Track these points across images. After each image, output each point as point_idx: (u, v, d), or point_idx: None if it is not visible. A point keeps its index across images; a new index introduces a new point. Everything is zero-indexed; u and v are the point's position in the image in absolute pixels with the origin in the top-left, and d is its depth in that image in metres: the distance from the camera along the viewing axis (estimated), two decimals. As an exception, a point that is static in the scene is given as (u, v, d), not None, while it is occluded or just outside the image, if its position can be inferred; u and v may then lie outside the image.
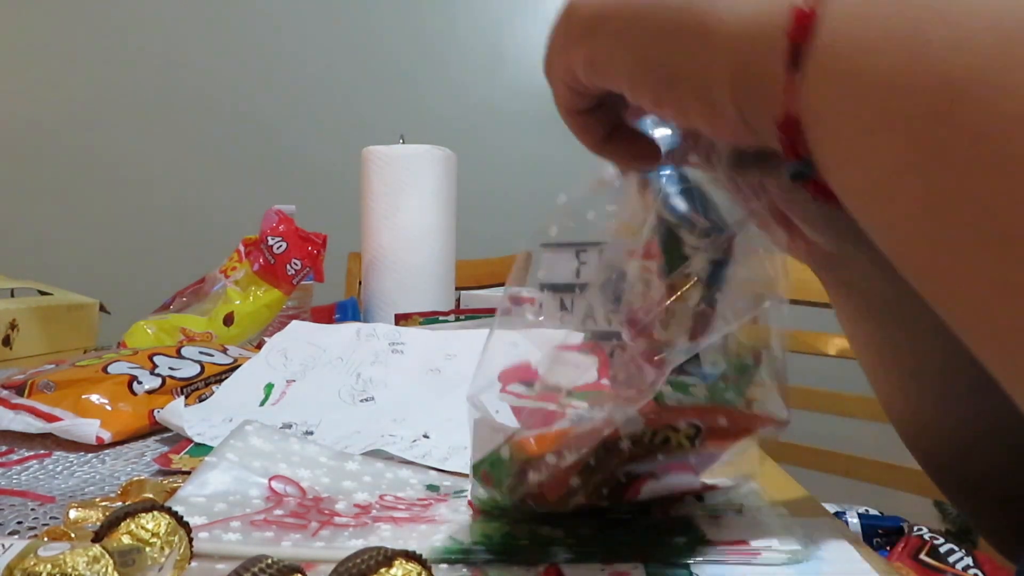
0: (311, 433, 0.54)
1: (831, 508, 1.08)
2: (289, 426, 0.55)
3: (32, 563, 0.23)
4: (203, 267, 1.03)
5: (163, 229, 2.41)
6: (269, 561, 0.24)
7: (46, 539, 0.30)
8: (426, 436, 0.53)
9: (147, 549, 0.26)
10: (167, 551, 0.27)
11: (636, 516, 0.37)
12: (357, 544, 0.33)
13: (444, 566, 0.33)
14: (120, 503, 0.38)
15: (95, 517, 0.35)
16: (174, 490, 0.39)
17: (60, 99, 2.44)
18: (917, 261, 0.18)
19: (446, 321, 0.92)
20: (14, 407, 0.57)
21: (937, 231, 0.17)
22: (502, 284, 1.77)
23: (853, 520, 1.05)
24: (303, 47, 2.41)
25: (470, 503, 0.38)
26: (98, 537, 0.27)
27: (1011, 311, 0.16)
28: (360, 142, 1.17)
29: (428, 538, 0.35)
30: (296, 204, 1.06)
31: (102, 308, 1.16)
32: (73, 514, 0.36)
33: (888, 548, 0.96)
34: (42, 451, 0.53)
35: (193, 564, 0.30)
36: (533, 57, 2.48)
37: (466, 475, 0.46)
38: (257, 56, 2.41)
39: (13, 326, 0.98)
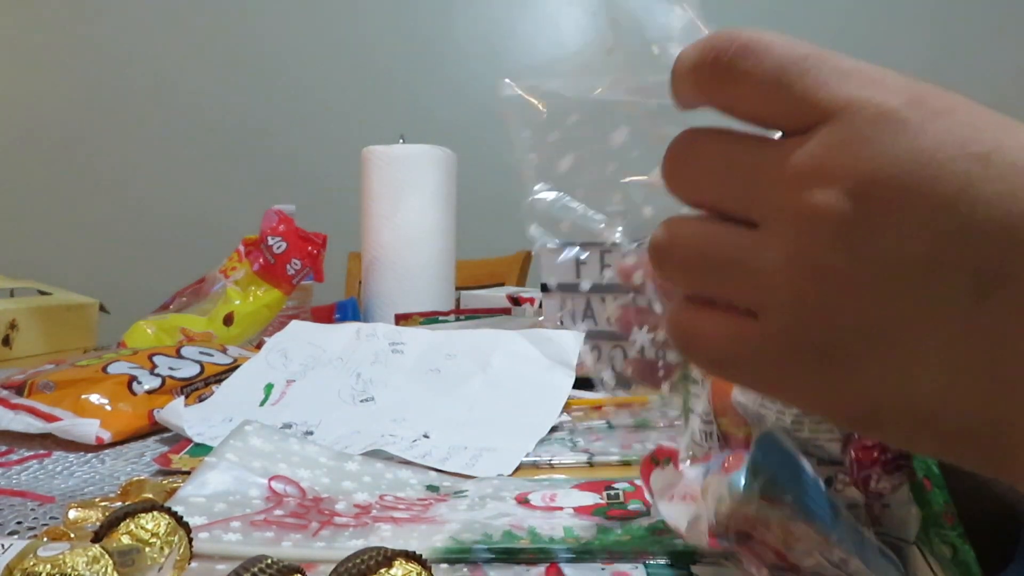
0: (311, 433, 0.54)
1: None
2: (289, 426, 0.55)
3: (32, 563, 0.23)
4: (203, 267, 1.03)
5: (163, 229, 2.41)
6: (269, 561, 0.24)
7: (46, 539, 0.30)
8: (426, 436, 0.53)
9: (147, 549, 0.26)
10: (167, 551, 0.27)
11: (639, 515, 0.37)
12: (357, 544, 0.33)
13: (444, 566, 0.33)
14: (120, 503, 0.37)
15: (95, 517, 0.35)
16: (174, 490, 0.39)
17: (60, 99, 2.44)
18: None
19: (446, 321, 0.92)
20: (14, 407, 0.57)
21: None
22: (502, 284, 1.76)
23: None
24: (303, 47, 2.41)
25: None
26: (98, 537, 0.27)
27: None
28: (360, 142, 1.17)
29: (428, 538, 0.35)
30: (296, 204, 1.06)
31: (102, 308, 1.16)
32: (73, 514, 0.36)
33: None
34: (42, 451, 0.53)
35: (193, 564, 0.30)
36: (533, 57, 2.48)
37: (466, 476, 0.46)
38: (257, 57, 2.41)
39: (13, 326, 0.98)
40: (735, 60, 0.20)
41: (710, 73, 0.21)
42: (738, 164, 0.21)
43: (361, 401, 0.62)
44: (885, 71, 0.20)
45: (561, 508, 0.40)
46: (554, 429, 0.57)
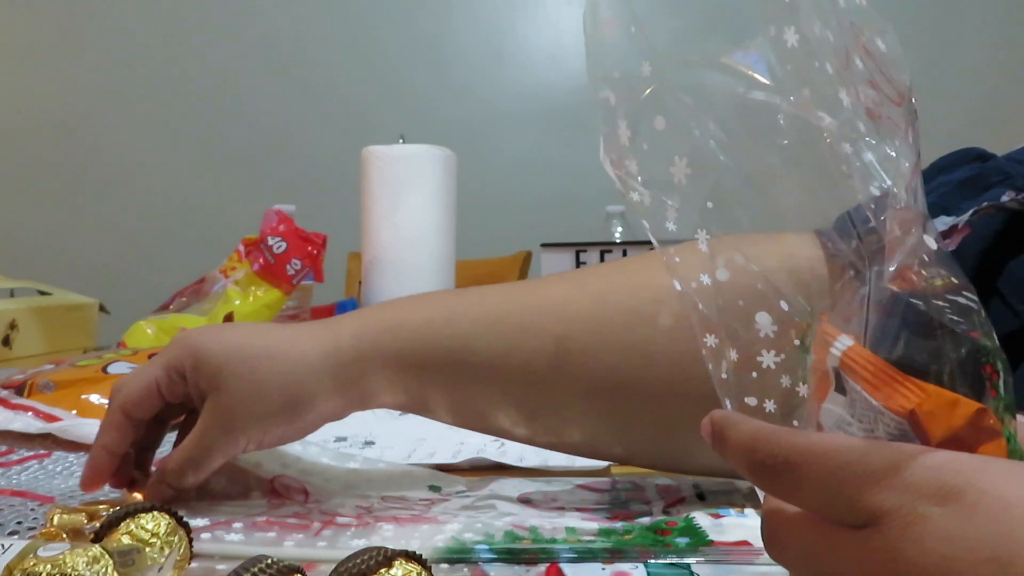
0: (372, 443, 0.53)
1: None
2: (344, 439, 0.54)
3: (32, 563, 0.23)
4: (203, 267, 1.03)
5: (163, 229, 2.41)
6: (269, 561, 0.24)
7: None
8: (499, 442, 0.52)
9: (147, 549, 0.26)
10: (167, 551, 0.27)
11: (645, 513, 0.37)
12: (359, 544, 0.33)
13: (445, 566, 0.33)
14: (120, 505, 0.37)
15: (79, 522, 0.35)
16: (174, 490, 0.39)
17: (60, 99, 2.44)
18: None
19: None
20: (14, 407, 0.57)
21: None
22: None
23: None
24: (303, 47, 2.41)
25: None
26: (98, 537, 0.27)
27: None
28: (360, 142, 1.17)
29: (430, 538, 0.35)
30: (296, 204, 1.06)
31: (102, 308, 1.16)
32: (57, 520, 0.35)
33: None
34: (42, 451, 0.53)
35: (193, 564, 0.30)
36: (533, 57, 2.49)
37: (472, 475, 0.46)
38: (257, 56, 2.41)
39: (13, 326, 0.98)
40: (783, 476, 0.23)
41: (767, 484, 0.24)
42: (818, 556, 0.23)
43: (400, 415, 0.59)
44: (917, 456, 0.21)
45: (563, 508, 0.40)
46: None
